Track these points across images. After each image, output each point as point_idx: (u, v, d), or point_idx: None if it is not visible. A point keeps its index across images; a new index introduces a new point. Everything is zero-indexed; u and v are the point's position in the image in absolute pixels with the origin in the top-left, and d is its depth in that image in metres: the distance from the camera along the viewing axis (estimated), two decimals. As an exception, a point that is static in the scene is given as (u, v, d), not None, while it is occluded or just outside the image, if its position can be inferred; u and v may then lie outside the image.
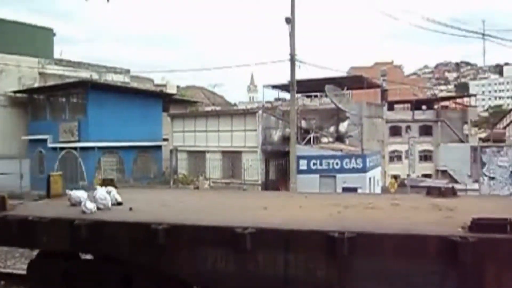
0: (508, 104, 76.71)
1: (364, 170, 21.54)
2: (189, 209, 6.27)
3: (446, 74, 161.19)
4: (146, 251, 5.01)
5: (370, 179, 22.38)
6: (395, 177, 33.46)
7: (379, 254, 4.33)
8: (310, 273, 4.49)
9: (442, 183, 34.44)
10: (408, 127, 42.61)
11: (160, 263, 5.03)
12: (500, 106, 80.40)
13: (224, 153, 25.10)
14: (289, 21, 18.83)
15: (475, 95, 60.89)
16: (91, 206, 5.72)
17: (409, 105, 48.42)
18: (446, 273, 4.22)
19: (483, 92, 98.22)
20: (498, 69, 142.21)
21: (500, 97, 79.82)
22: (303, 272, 4.50)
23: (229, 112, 29.37)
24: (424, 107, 46.80)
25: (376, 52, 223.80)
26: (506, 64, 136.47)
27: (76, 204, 6.07)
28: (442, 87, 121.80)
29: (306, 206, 6.20)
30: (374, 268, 4.35)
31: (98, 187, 6.35)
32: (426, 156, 43.23)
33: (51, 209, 6.10)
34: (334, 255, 4.39)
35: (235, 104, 51.43)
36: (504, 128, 61.18)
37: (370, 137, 31.64)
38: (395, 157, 42.00)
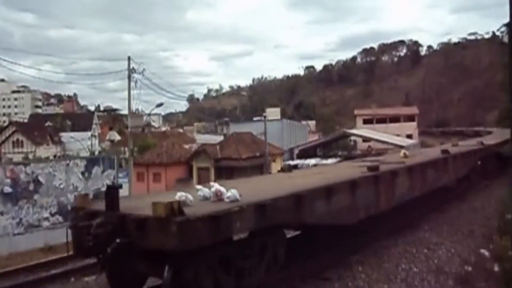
0: (4, 121, 77.87)
1: None
2: (276, 188, 8.11)
3: None
4: (295, 210, 7.16)
5: None
6: None
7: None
8: (365, 199, 9.09)
9: None
10: None
11: (306, 216, 7.47)
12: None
13: None
14: None
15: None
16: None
17: None
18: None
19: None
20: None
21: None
22: (363, 199, 9.01)
23: None
24: None
25: None
26: (3, 80, 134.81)
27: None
28: None
29: (325, 172, 11.42)
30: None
31: (215, 184, 6.71)
32: None
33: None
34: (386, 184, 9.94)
35: None
36: (1, 144, 59.86)
37: None
38: None
